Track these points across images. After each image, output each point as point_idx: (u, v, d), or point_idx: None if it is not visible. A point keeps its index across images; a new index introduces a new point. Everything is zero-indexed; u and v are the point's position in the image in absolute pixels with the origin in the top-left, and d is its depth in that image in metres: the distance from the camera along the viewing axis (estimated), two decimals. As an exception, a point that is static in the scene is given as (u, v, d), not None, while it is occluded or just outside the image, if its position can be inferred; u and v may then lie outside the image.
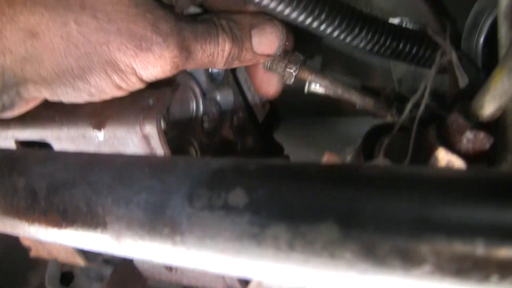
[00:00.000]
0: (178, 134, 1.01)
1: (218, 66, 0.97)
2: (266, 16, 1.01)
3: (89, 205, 0.65)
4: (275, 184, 0.53)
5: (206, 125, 1.09)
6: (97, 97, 0.91)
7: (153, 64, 0.86)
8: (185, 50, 0.88)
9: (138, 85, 0.91)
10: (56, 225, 0.69)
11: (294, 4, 0.90)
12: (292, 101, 1.35)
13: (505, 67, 0.68)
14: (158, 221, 0.58)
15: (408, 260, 0.45)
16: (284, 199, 0.52)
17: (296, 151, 1.48)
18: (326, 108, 1.44)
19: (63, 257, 1.27)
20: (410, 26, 1.07)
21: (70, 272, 1.64)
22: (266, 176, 0.55)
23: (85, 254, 1.24)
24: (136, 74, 0.87)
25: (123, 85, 0.89)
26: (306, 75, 1.00)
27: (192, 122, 1.05)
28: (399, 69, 1.16)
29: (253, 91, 1.23)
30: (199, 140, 1.05)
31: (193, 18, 0.93)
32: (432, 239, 0.44)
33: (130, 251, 0.64)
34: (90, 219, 0.65)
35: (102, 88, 0.89)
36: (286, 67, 1.01)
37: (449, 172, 0.50)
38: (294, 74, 1.01)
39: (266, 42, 1.00)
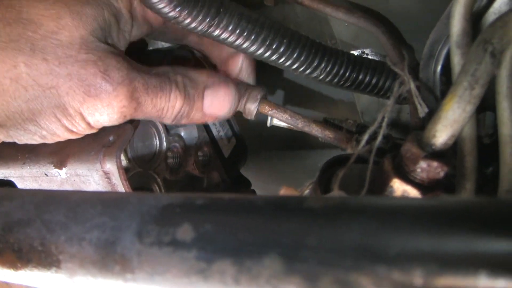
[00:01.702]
0: (141, 171, 1.01)
1: (166, 121, 0.96)
2: (222, 77, 1.01)
3: (43, 244, 0.64)
4: (221, 218, 0.54)
5: (170, 161, 1.09)
6: (50, 139, 0.91)
7: (100, 112, 0.85)
8: (134, 101, 0.87)
9: (89, 130, 0.90)
10: (11, 266, 0.68)
11: (253, 37, 0.90)
12: (260, 135, 1.36)
13: (455, 95, 0.69)
14: (109, 258, 0.58)
15: (350, 291, 0.45)
16: (230, 233, 0.52)
17: (264, 185, 1.48)
18: (294, 141, 1.44)
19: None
20: (371, 57, 1.08)
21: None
22: (213, 211, 0.55)
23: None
24: (84, 120, 0.87)
25: (74, 129, 0.88)
26: (267, 109, 1.00)
27: (155, 158, 1.05)
28: (363, 100, 1.17)
29: (218, 126, 1.23)
30: (162, 176, 1.05)
31: (149, 69, 0.93)
32: (372, 270, 0.44)
33: (85, 289, 0.64)
34: (45, 257, 0.64)
35: (53, 131, 0.88)
36: (247, 101, 1.01)
37: (390, 201, 0.50)
38: (254, 109, 1.01)
39: (217, 105, 0.99)
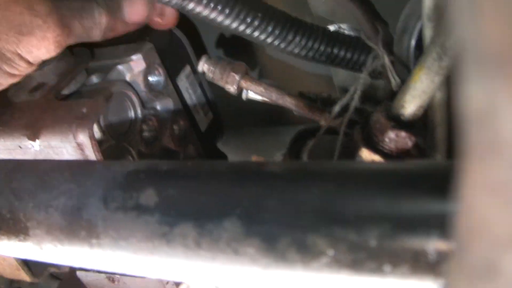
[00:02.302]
0: (115, 143, 1.01)
1: (95, 38, 0.97)
2: None
3: (11, 211, 0.65)
4: (184, 183, 0.54)
5: (145, 134, 1.09)
6: None
7: (37, 47, 0.86)
8: (66, 27, 0.88)
9: (30, 68, 0.90)
10: (-19, 234, 0.68)
11: (227, 11, 0.90)
12: (238, 110, 1.36)
13: (424, 66, 0.69)
14: (75, 224, 0.59)
15: (307, 253, 0.45)
16: (192, 197, 0.52)
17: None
18: (273, 117, 1.44)
19: (8, 273, 1.26)
20: (347, 32, 1.08)
21: (18, 289, 1.62)
22: (176, 176, 0.55)
23: (30, 269, 1.23)
24: (23, 59, 0.87)
25: (15, 72, 0.89)
26: (243, 83, 1.00)
27: (130, 131, 1.05)
28: (340, 75, 1.17)
29: (195, 100, 1.23)
30: (137, 148, 1.05)
31: None
32: (328, 231, 0.45)
33: (51, 256, 0.64)
34: (13, 225, 0.65)
35: None
36: (229, 74, 1.01)
37: (348, 166, 0.51)
38: (237, 79, 1.01)
39: (136, 11, 1.00)
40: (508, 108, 0.23)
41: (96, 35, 0.96)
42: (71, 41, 0.91)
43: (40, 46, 0.86)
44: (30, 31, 0.84)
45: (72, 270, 1.19)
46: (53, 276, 1.38)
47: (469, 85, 0.24)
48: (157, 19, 1.04)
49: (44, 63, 0.94)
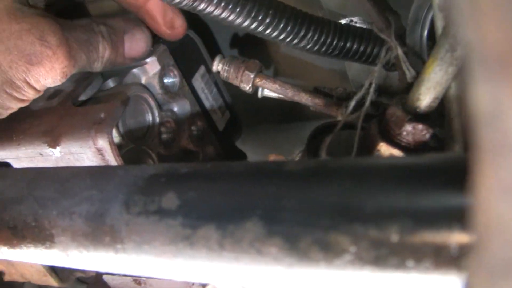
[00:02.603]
0: (134, 147, 1.02)
1: (96, 70, 0.99)
2: (135, 20, 1.05)
3: (36, 219, 0.66)
4: (204, 185, 0.55)
5: (163, 136, 1.09)
6: (5, 114, 0.93)
7: (44, 77, 0.88)
8: (72, 59, 0.89)
9: (37, 95, 0.92)
10: (7, 243, 0.69)
11: (238, 10, 0.91)
12: (255, 108, 1.36)
13: (437, 58, 0.69)
14: (99, 230, 0.59)
15: (329, 251, 0.46)
16: (213, 199, 0.53)
17: (261, 158, 1.48)
18: (290, 114, 1.44)
19: (36, 279, 1.27)
20: (359, 25, 1.08)
21: (46, 295, 1.64)
22: (196, 179, 0.56)
23: (57, 274, 1.24)
24: (31, 87, 0.89)
25: (24, 98, 0.90)
26: (257, 81, 1.01)
27: (148, 134, 1.06)
28: (353, 68, 1.17)
29: (211, 100, 1.23)
30: (156, 151, 1.06)
31: (73, 24, 0.94)
32: (349, 228, 0.45)
33: (78, 262, 0.65)
34: (38, 233, 0.66)
35: (7, 105, 0.90)
36: (243, 73, 1.02)
37: (366, 162, 0.51)
38: (251, 78, 1.01)
39: (136, 47, 1.03)
40: None
41: (97, 67, 0.98)
42: (75, 71, 0.93)
43: (48, 76, 0.88)
44: (40, 62, 0.86)
45: (99, 274, 1.20)
46: (80, 281, 1.39)
47: (476, 87, 0.25)
48: (167, 31, 1.06)
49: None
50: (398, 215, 0.44)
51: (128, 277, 1.14)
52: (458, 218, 0.41)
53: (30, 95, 0.90)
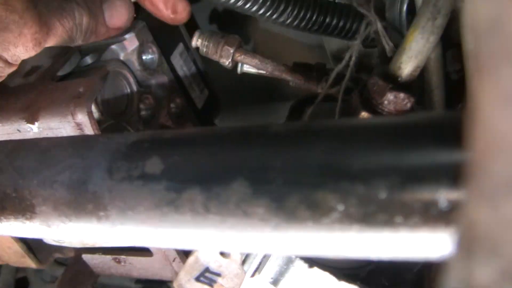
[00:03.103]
0: (114, 123, 1.01)
1: (78, 41, 0.96)
2: None
3: (16, 190, 0.65)
4: (189, 149, 0.54)
5: (142, 113, 1.09)
6: None
7: (14, 43, 0.84)
8: (44, 25, 0.86)
9: (9, 68, 0.89)
10: (-13, 215, 0.69)
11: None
12: (233, 86, 1.36)
13: (418, 26, 0.70)
14: (82, 197, 0.59)
15: (317, 209, 0.46)
16: (197, 162, 0.52)
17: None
18: (267, 92, 1.45)
19: (14, 260, 1.26)
20: (341, 0, 1.08)
21: (24, 277, 1.63)
22: (180, 143, 0.56)
23: (35, 255, 1.23)
24: (1, 59, 0.85)
25: None
26: (237, 55, 1.01)
27: (127, 110, 1.06)
28: (332, 45, 1.17)
29: (190, 77, 1.23)
30: (135, 127, 1.06)
31: None
32: (337, 186, 0.45)
33: (60, 233, 0.64)
34: (19, 203, 0.65)
35: None
36: (223, 47, 1.01)
37: (352, 122, 0.51)
38: (231, 52, 1.01)
39: (117, 15, 1.00)
40: None
41: (78, 37, 0.94)
42: (52, 41, 0.89)
43: (17, 43, 0.84)
44: (6, 27, 0.82)
45: (78, 254, 1.20)
46: (59, 262, 1.38)
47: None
48: (170, 16, 1.04)
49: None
50: (385, 171, 0.44)
51: (108, 256, 1.13)
52: (447, 173, 0.41)
53: (1, 68, 0.87)
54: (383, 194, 0.43)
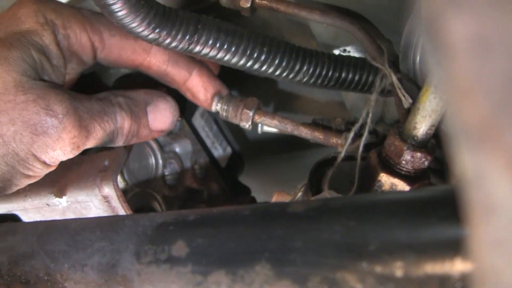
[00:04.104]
0: (140, 191, 1.03)
1: (118, 143, 0.96)
2: (158, 92, 1.03)
3: (48, 273, 0.67)
4: (212, 231, 0.56)
5: (168, 177, 1.11)
6: (10, 190, 0.89)
7: (52, 147, 0.85)
8: (83, 129, 0.87)
9: (46, 169, 0.89)
10: (21, 298, 0.71)
11: (233, 49, 0.92)
12: (255, 141, 1.38)
13: (431, 85, 0.71)
14: (112, 281, 0.61)
15: (338, 288, 0.47)
16: (221, 244, 0.54)
17: (266, 189, 1.49)
18: (290, 143, 1.45)
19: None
20: (354, 54, 1.10)
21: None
22: (204, 225, 0.57)
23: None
24: (38, 160, 0.86)
25: (30, 173, 0.87)
26: (256, 118, 1.02)
27: (153, 177, 1.07)
28: (350, 97, 1.18)
29: (212, 137, 1.25)
30: (161, 193, 1.07)
31: (88, 97, 0.90)
32: (355, 266, 0.46)
33: (93, 313, 0.66)
34: (51, 287, 0.67)
35: (10, 180, 0.87)
36: (242, 111, 1.03)
37: (367, 199, 0.52)
38: (250, 116, 1.02)
39: (161, 118, 1.00)
40: (495, 176, 0.24)
41: (119, 140, 0.95)
42: (91, 144, 0.90)
43: (55, 147, 0.85)
44: (45, 131, 0.83)
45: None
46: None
47: (461, 156, 0.26)
48: (210, 108, 1.07)
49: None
50: (401, 250, 0.45)
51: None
52: (459, 248, 0.42)
53: (37, 169, 0.87)
54: (399, 273, 0.45)
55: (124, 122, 0.93)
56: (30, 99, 0.82)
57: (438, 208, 0.46)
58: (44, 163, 0.86)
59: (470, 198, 0.28)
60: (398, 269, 0.44)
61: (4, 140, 0.82)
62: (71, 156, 0.87)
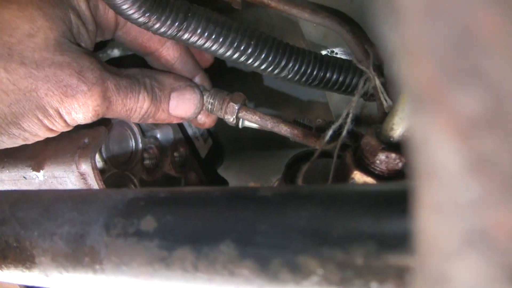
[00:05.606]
0: (117, 172, 1.04)
1: (133, 120, 1.00)
2: (188, 81, 1.06)
3: (18, 240, 0.67)
4: (181, 209, 0.57)
5: (146, 162, 1.11)
6: (31, 140, 0.92)
7: (76, 111, 0.88)
8: (107, 100, 0.91)
9: (66, 128, 0.92)
10: (-11, 263, 0.71)
11: (221, 40, 0.93)
12: (237, 136, 1.38)
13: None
14: (79, 251, 0.61)
15: (298, 273, 0.48)
16: (189, 223, 0.55)
17: (242, 184, 1.50)
18: (272, 141, 1.46)
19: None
20: (341, 56, 1.11)
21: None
22: (174, 203, 0.58)
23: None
24: (62, 118, 0.89)
25: (54, 128, 0.90)
26: (240, 112, 1.03)
27: (131, 160, 1.08)
28: (334, 99, 1.19)
29: (194, 127, 1.25)
30: (139, 176, 1.08)
31: (119, 70, 0.96)
32: (317, 251, 0.47)
33: (57, 283, 0.66)
34: (19, 253, 0.67)
35: (36, 132, 0.90)
36: (228, 104, 1.04)
37: (335, 189, 0.53)
38: (236, 109, 1.03)
39: (183, 106, 1.04)
40: (437, 138, 0.26)
41: (135, 117, 0.98)
42: (109, 114, 0.94)
43: (79, 111, 0.88)
44: (74, 95, 0.87)
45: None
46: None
47: (410, 118, 0.27)
48: (199, 122, 1.12)
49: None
50: (362, 239, 0.46)
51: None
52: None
53: (60, 126, 0.90)
54: (359, 261, 0.46)
55: (144, 103, 0.97)
56: (66, 61, 0.86)
57: (403, 201, 0.47)
58: (66, 122, 0.90)
59: (416, 163, 0.29)
60: (359, 257, 0.45)
61: (39, 94, 0.85)
62: (89, 121, 0.92)
